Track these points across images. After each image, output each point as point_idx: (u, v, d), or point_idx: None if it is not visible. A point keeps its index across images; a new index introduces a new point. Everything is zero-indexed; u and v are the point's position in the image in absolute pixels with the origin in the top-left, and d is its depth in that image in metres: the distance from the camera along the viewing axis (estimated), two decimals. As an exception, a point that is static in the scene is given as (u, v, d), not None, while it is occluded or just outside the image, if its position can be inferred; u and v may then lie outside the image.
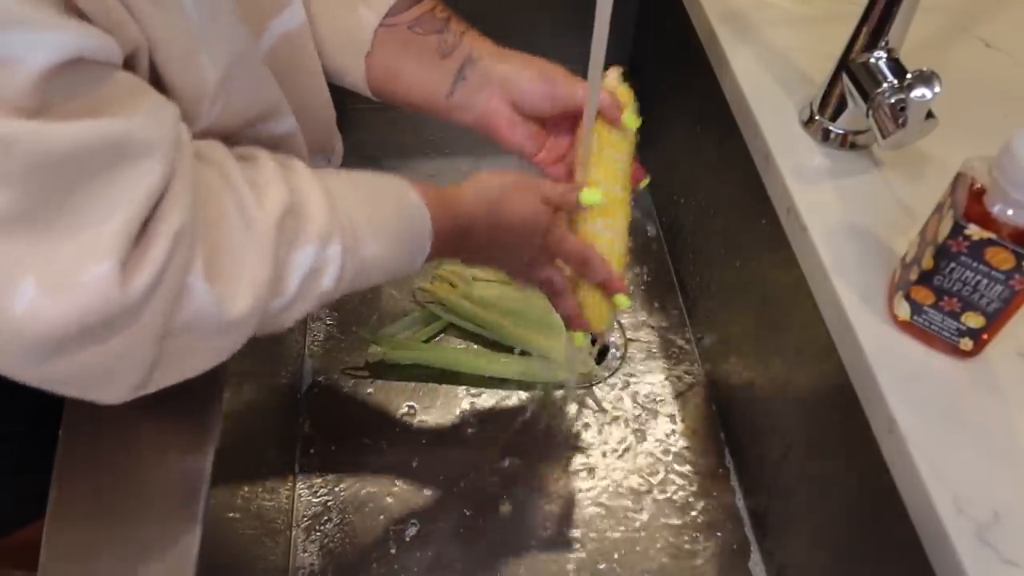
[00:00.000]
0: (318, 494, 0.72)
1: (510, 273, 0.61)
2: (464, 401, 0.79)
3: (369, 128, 0.98)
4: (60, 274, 0.32)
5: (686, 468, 0.75)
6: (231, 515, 0.52)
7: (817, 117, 0.63)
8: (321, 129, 0.56)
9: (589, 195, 0.57)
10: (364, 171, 0.49)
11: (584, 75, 0.52)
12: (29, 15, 0.30)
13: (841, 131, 0.63)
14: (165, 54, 0.38)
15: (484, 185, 0.55)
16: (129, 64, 0.37)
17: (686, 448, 0.76)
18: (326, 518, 0.70)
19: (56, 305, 0.32)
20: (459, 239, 0.53)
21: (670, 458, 0.75)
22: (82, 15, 0.32)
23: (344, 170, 0.48)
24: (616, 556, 0.69)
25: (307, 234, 0.41)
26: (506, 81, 0.56)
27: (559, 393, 0.80)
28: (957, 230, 0.45)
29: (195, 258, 0.37)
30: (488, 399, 0.79)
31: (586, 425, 0.77)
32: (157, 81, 0.39)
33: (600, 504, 0.72)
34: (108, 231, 0.33)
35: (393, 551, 0.69)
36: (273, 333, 0.44)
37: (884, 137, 0.56)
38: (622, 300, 0.60)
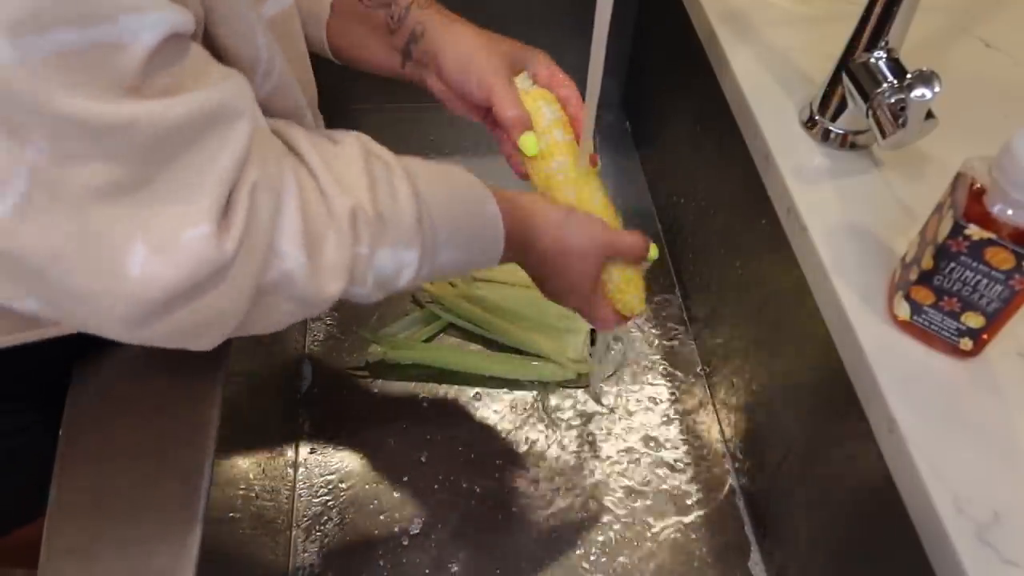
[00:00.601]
0: (318, 494, 0.72)
1: (565, 300, 0.61)
2: (464, 401, 0.79)
3: (369, 128, 0.98)
4: (166, 236, 0.34)
5: (686, 468, 0.75)
6: (231, 515, 0.52)
7: (817, 117, 0.63)
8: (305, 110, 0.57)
9: (654, 250, 0.60)
10: (450, 167, 0.50)
11: (584, 75, 0.52)
12: (136, 0, 0.31)
13: (841, 131, 0.63)
14: (226, 28, 0.39)
15: (557, 229, 0.55)
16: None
17: (686, 448, 0.76)
18: (326, 518, 0.70)
19: (166, 265, 0.34)
20: (521, 258, 0.55)
21: (670, 458, 0.75)
22: None
23: (431, 164, 0.49)
24: (616, 555, 0.69)
25: (389, 237, 0.43)
26: (443, 61, 0.57)
27: (559, 393, 0.80)
28: (957, 230, 0.45)
29: (282, 220, 0.38)
30: (488, 399, 0.79)
31: (586, 425, 0.77)
32: (218, 56, 0.40)
33: (600, 504, 0.72)
34: (204, 195, 0.35)
35: (393, 551, 0.69)
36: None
37: (884, 137, 0.56)
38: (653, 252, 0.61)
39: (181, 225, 0.34)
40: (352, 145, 0.44)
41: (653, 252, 0.60)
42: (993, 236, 0.44)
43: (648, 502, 0.72)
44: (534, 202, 0.55)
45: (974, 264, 0.46)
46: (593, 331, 0.82)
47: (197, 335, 0.39)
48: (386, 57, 0.59)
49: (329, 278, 0.41)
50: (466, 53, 0.56)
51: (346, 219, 0.41)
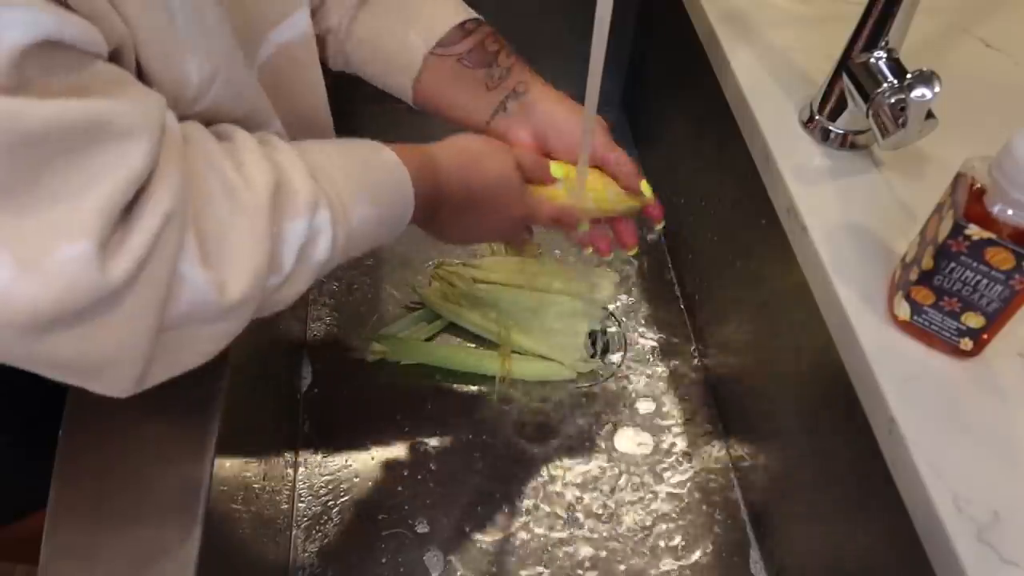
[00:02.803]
0: (318, 494, 0.72)
1: (496, 237, 0.63)
2: (464, 401, 0.79)
3: (369, 128, 0.98)
4: (35, 251, 0.32)
5: (686, 467, 0.75)
6: (231, 515, 0.52)
7: (817, 117, 0.63)
8: (318, 139, 0.56)
9: (558, 168, 0.60)
10: (339, 139, 0.50)
11: (584, 75, 0.52)
12: None
13: (841, 131, 0.63)
14: (148, 51, 0.38)
15: (460, 144, 0.56)
16: (114, 58, 0.37)
17: (686, 447, 0.76)
18: (326, 518, 0.70)
19: (33, 284, 0.32)
20: (437, 194, 0.54)
21: (670, 457, 0.75)
22: (65, 4, 0.33)
23: (320, 140, 0.49)
24: (616, 555, 0.69)
25: (295, 207, 0.42)
26: (542, 120, 0.60)
27: (560, 393, 0.80)
28: (957, 230, 0.45)
29: (186, 245, 0.36)
30: (488, 399, 0.79)
31: (586, 425, 0.77)
32: (141, 77, 0.39)
33: (600, 503, 0.72)
34: (84, 209, 0.32)
35: (393, 551, 0.69)
36: (273, 312, 0.44)
37: (884, 137, 0.56)
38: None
39: (53, 240, 0.32)
40: (240, 133, 0.43)
41: (557, 170, 0.60)
42: (993, 236, 0.44)
43: (647, 502, 0.72)
44: (427, 146, 0.55)
45: (974, 264, 0.46)
46: (593, 331, 0.82)
47: (94, 371, 0.36)
48: (474, 109, 0.61)
49: (240, 281, 0.39)
50: (565, 116, 0.60)
51: (262, 208, 0.39)
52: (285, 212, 0.41)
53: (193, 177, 0.38)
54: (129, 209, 0.35)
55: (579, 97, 0.55)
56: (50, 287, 0.32)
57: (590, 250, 0.65)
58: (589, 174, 0.60)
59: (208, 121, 0.44)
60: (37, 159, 0.31)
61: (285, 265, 0.42)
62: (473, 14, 0.61)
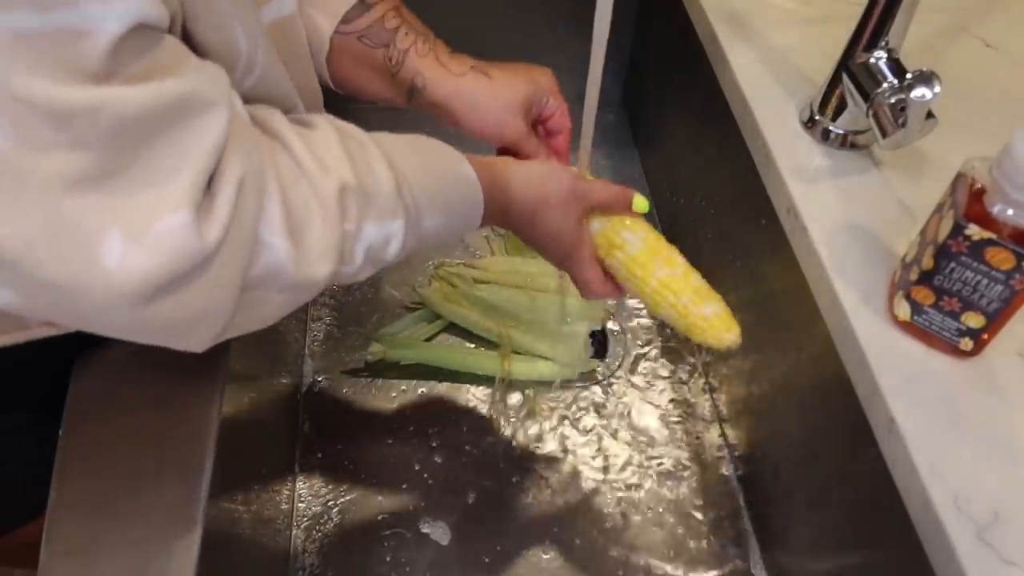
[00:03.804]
0: (318, 494, 0.72)
1: (551, 254, 0.61)
2: (464, 400, 0.79)
3: (369, 127, 0.98)
4: (142, 225, 0.33)
5: (685, 467, 0.75)
6: (231, 515, 0.52)
7: (817, 117, 0.63)
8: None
9: (640, 202, 0.57)
10: (422, 137, 0.51)
11: (584, 74, 0.52)
12: None
13: (841, 131, 0.63)
14: (202, 22, 0.39)
15: (531, 180, 0.55)
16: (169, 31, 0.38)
17: (686, 448, 0.76)
18: (326, 518, 0.70)
19: (143, 256, 0.33)
20: (501, 218, 0.55)
21: (669, 458, 0.75)
22: None
23: (401, 136, 0.49)
24: (616, 555, 0.69)
25: (373, 210, 0.43)
26: (448, 115, 0.58)
27: (560, 393, 0.80)
28: (957, 230, 0.45)
29: (269, 211, 0.38)
30: (488, 398, 0.79)
31: (586, 425, 0.77)
32: (196, 50, 0.40)
33: (600, 503, 0.72)
34: (181, 181, 0.34)
35: (393, 551, 0.69)
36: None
37: (884, 137, 0.56)
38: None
39: (157, 213, 0.34)
40: (326, 127, 0.44)
41: (641, 203, 0.58)
42: (993, 236, 0.44)
43: (648, 502, 0.72)
44: (506, 162, 0.55)
45: (974, 264, 0.46)
46: (593, 332, 0.82)
47: (185, 332, 0.38)
48: (389, 94, 0.59)
49: (317, 262, 0.41)
50: (472, 104, 0.57)
51: (333, 199, 0.41)
52: (365, 214, 0.43)
53: (272, 151, 0.40)
54: (211, 175, 0.36)
55: (579, 96, 0.55)
56: (158, 256, 0.34)
57: None
58: (674, 272, 0.57)
59: (260, 98, 0.45)
60: (135, 141, 0.33)
61: (356, 259, 0.44)
62: None
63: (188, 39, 0.40)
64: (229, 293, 0.38)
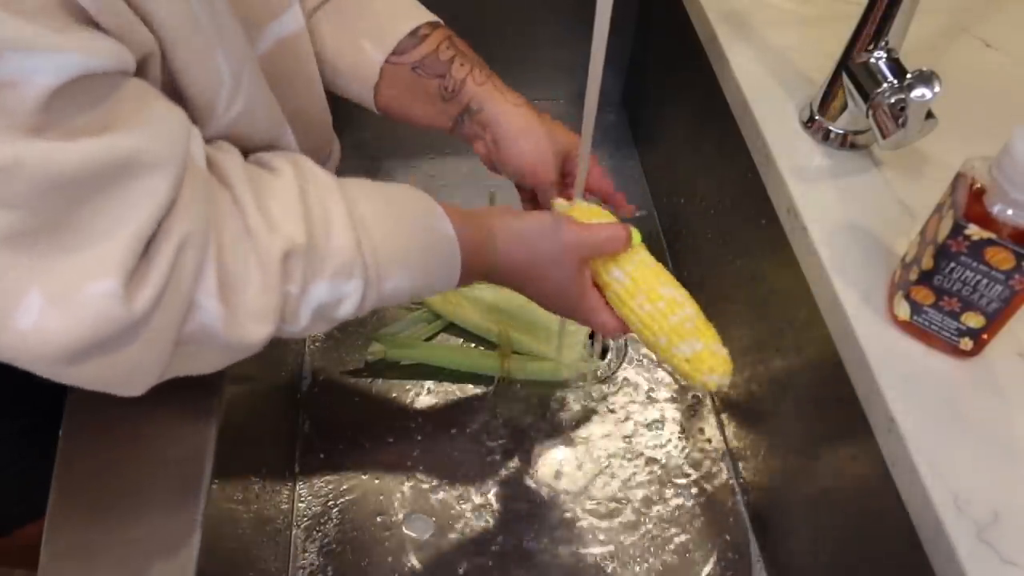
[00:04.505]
0: (318, 494, 0.72)
1: (554, 310, 0.59)
2: (464, 400, 0.79)
3: (369, 128, 0.98)
4: (64, 289, 0.32)
5: (686, 468, 0.75)
6: (231, 515, 0.52)
7: (817, 117, 0.63)
8: (317, 134, 0.56)
9: (635, 236, 0.54)
10: (398, 187, 0.49)
11: (584, 75, 0.52)
12: (27, 37, 0.29)
13: (841, 131, 0.63)
14: (180, 53, 0.38)
15: (522, 233, 0.53)
16: (141, 68, 0.37)
17: (686, 448, 0.76)
18: (326, 518, 0.70)
19: (62, 320, 0.32)
20: (485, 278, 0.53)
21: (670, 458, 0.75)
22: (95, 23, 0.32)
23: (377, 185, 0.47)
24: (617, 556, 0.69)
25: (325, 269, 0.41)
26: (495, 143, 0.58)
27: (560, 393, 0.80)
28: (957, 230, 0.45)
29: (205, 275, 0.37)
30: (488, 399, 0.79)
31: (587, 425, 0.77)
32: (172, 84, 0.39)
33: (601, 504, 0.72)
34: (112, 247, 0.33)
35: (394, 551, 0.69)
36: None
37: (884, 137, 0.56)
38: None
39: (83, 278, 0.32)
40: (288, 175, 0.42)
41: (635, 237, 0.54)
42: (993, 236, 0.44)
43: (648, 502, 0.72)
44: (491, 215, 0.53)
45: (974, 264, 0.46)
46: (593, 332, 0.82)
47: (118, 385, 0.38)
48: (436, 120, 0.59)
49: (251, 324, 0.39)
50: (522, 133, 0.57)
51: (276, 261, 0.39)
52: (314, 272, 0.41)
53: (218, 209, 0.38)
54: (151, 238, 0.35)
55: (579, 95, 0.55)
56: (78, 323, 0.33)
57: None
58: (666, 293, 0.54)
59: (244, 130, 0.43)
60: (66, 201, 0.32)
61: (301, 320, 0.42)
62: (429, 16, 0.58)
63: (167, 73, 0.38)
64: (160, 352, 0.37)
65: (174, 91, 0.39)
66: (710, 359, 0.50)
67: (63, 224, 0.32)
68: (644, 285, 0.54)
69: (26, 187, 0.30)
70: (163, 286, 0.35)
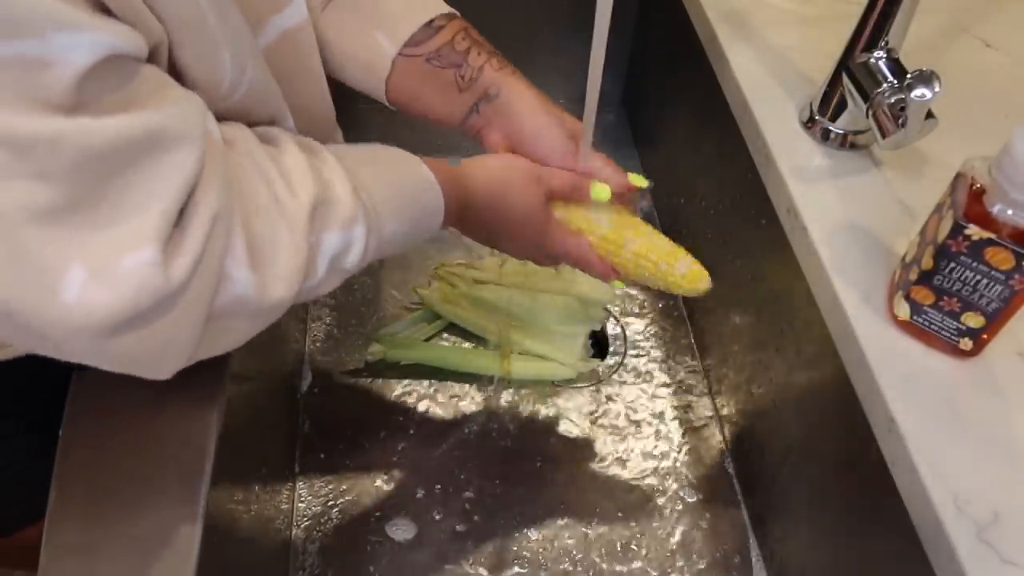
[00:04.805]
0: (318, 494, 0.72)
1: (520, 257, 0.61)
2: (464, 401, 0.79)
3: (370, 127, 0.98)
4: (105, 261, 0.33)
5: (686, 468, 0.75)
6: (231, 515, 0.52)
7: (817, 117, 0.63)
8: (321, 127, 0.56)
9: (601, 190, 0.57)
10: (379, 146, 0.51)
11: (584, 75, 0.52)
12: (66, 17, 0.30)
13: (841, 131, 0.63)
14: (185, 48, 0.39)
15: (491, 172, 0.56)
16: (150, 59, 0.37)
17: (686, 448, 0.76)
18: (326, 518, 0.70)
19: (105, 292, 0.33)
20: (463, 214, 0.54)
21: (670, 458, 0.75)
22: (110, 12, 0.33)
23: (361, 145, 0.49)
24: (616, 556, 0.69)
25: (335, 220, 0.43)
26: (513, 126, 0.58)
27: (559, 393, 0.80)
28: (957, 230, 0.45)
29: (234, 244, 0.38)
30: (488, 399, 0.79)
31: (586, 425, 0.77)
32: (178, 76, 0.40)
33: (600, 504, 0.72)
34: (148, 218, 0.34)
35: (394, 551, 0.69)
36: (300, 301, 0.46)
37: (884, 137, 0.56)
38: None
39: (122, 249, 0.33)
40: (291, 145, 0.44)
41: (601, 192, 0.57)
42: (993, 236, 0.44)
43: (648, 502, 0.72)
44: (463, 162, 0.55)
45: (974, 264, 0.46)
46: (593, 332, 0.82)
47: (149, 363, 0.38)
48: (447, 111, 0.59)
49: (283, 284, 0.40)
50: (542, 118, 0.57)
51: (302, 222, 0.41)
52: (325, 224, 0.43)
53: (242, 182, 0.40)
54: (182, 211, 0.36)
55: (579, 96, 0.55)
56: (121, 293, 0.33)
57: None
58: (639, 232, 0.58)
59: (241, 117, 0.44)
60: (101, 175, 0.33)
61: (319, 271, 0.43)
62: (444, 8, 0.58)
63: (172, 64, 0.39)
64: (194, 326, 0.37)
65: (180, 81, 0.40)
66: (699, 270, 0.58)
67: (99, 198, 0.33)
68: (627, 222, 0.58)
69: (65, 162, 0.31)
70: (199, 254, 0.36)
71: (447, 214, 0.52)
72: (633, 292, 0.88)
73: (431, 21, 0.57)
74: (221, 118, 0.43)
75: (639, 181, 0.59)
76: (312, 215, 0.42)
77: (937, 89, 0.53)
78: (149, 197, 0.34)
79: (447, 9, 0.59)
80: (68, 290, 0.32)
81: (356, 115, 0.91)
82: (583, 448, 0.76)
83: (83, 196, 0.32)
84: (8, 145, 0.30)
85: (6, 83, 0.30)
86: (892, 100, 0.55)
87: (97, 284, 0.33)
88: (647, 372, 0.81)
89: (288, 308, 0.43)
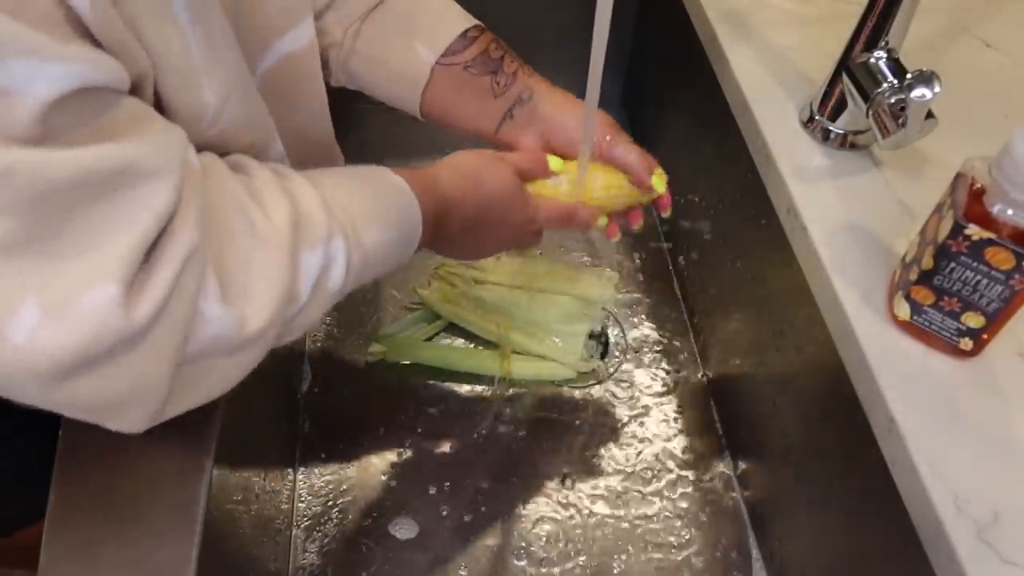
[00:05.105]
0: (318, 494, 0.72)
1: (506, 246, 0.62)
2: (464, 401, 0.79)
3: (370, 128, 0.98)
4: (61, 298, 0.31)
5: (686, 468, 0.75)
6: (231, 515, 0.52)
7: (817, 117, 0.63)
8: (320, 150, 0.56)
9: (556, 162, 0.60)
10: (345, 166, 0.51)
11: (584, 74, 0.52)
12: (34, 45, 0.29)
13: (841, 131, 0.63)
14: (168, 79, 0.38)
15: (458, 162, 0.56)
16: (134, 90, 0.36)
17: (686, 448, 0.76)
18: (326, 518, 0.70)
19: (59, 331, 0.31)
20: (446, 216, 0.53)
21: (670, 458, 0.75)
22: (94, 40, 0.32)
23: (328, 168, 0.48)
24: (616, 556, 0.69)
25: (312, 239, 0.42)
26: (548, 123, 0.60)
27: (560, 393, 0.80)
28: (957, 230, 0.45)
29: (207, 283, 0.36)
30: (488, 399, 0.79)
31: (586, 425, 0.77)
32: (159, 105, 0.39)
33: (600, 504, 0.72)
34: (110, 255, 0.32)
35: (394, 552, 0.69)
36: (288, 340, 0.44)
37: (884, 137, 0.56)
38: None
39: (81, 286, 0.31)
40: (258, 169, 0.43)
41: (556, 163, 0.60)
42: (993, 236, 0.44)
43: (648, 502, 0.72)
44: (428, 169, 0.55)
45: (974, 264, 0.46)
46: (593, 332, 0.82)
47: (114, 411, 0.36)
48: (482, 118, 0.61)
49: (261, 315, 0.39)
50: (573, 118, 0.60)
51: (280, 250, 0.39)
52: (302, 244, 0.41)
53: (214, 212, 0.38)
54: (151, 248, 0.34)
55: (579, 95, 0.55)
56: (77, 332, 0.32)
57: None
58: (597, 171, 0.60)
59: (220, 145, 0.43)
60: (63, 208, 0.31)
61: (302, 295, 0.42)
62: (474, 21, 0.60)
63: (156, 94, 0.38)
64: (161, 371, 0.36)
65: (161, 112, 0.39)
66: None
67: (59, 233, 0.31)
68: (579, 172, 0.60)
69: (19, 195, 0.30)
70: (167, 294, 0.34)
71: (426, 217, 0.50)
72: (634, 292, 0.88)
73: (466, 32, 0.59)
74: (200, 148, 0.42)
75: (659, 185, 0.61)
76: (291, 236, 0.40)
77: (937, 89, 0.53)
78: (115, 232, 0.32)
79: (476, 21, 0.60)
80: (19, 329, 0.31)
81: (356, 115, 0.91)
82: (583, 448, 0.76)
83: (42, 230, 0.31)
84: None
85: None
86: (892, 100, 0.55)
87: (52, 322, 0.31)
88: (647, 372, 0.81)
89: (279, 341, 0.42)
